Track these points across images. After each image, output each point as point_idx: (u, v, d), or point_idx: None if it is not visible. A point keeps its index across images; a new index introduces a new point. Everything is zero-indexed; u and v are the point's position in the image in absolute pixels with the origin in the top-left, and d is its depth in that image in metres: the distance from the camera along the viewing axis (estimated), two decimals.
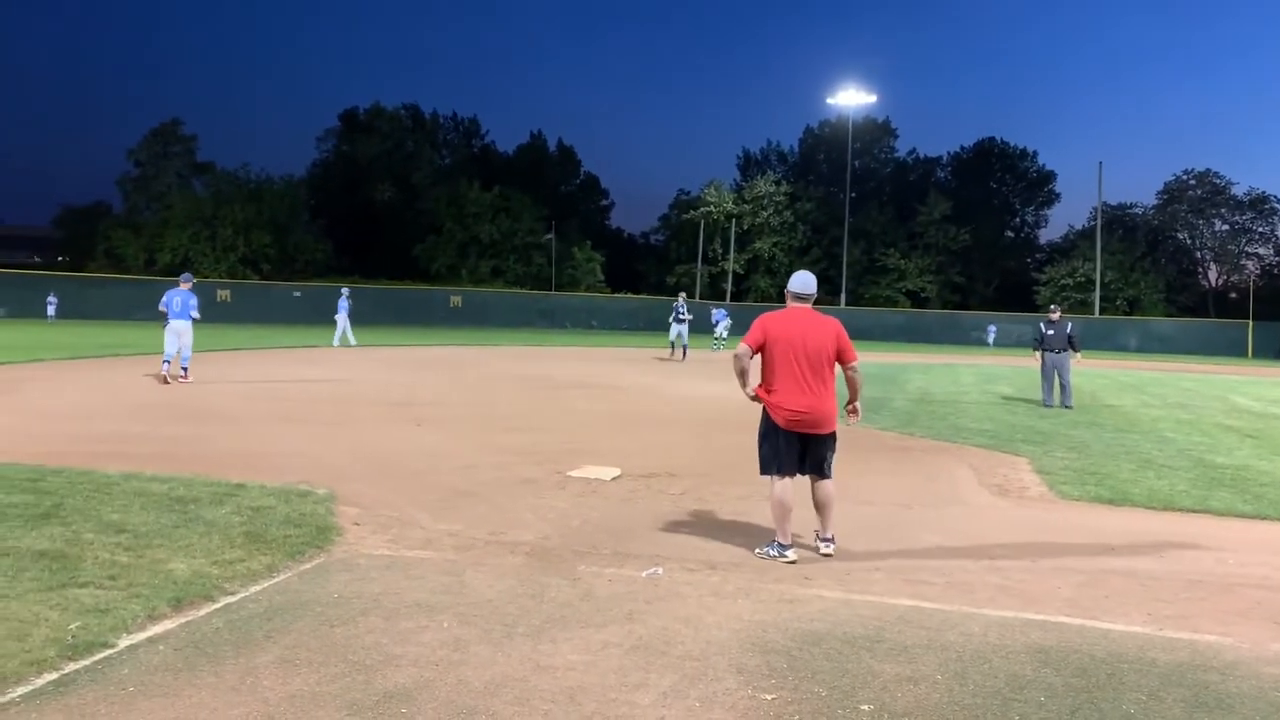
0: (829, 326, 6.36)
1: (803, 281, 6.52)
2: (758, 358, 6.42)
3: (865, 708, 3.80)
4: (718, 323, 40.85)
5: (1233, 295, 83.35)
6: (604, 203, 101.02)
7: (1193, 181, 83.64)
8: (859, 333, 7.55)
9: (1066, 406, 16.97)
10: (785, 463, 6.26)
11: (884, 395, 18.29)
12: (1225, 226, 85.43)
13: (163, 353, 16.98)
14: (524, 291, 73.87)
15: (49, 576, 5.02)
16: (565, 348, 37.12)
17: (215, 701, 3.68)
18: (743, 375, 6.39)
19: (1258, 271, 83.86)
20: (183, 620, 4.58)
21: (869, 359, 6.66)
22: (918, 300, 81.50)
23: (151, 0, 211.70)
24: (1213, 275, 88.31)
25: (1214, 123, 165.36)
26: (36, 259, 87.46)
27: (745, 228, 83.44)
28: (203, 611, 4.72)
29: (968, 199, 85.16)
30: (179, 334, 16.80)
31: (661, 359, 29.71)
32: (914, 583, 5.69)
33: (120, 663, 4.03)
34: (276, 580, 5.30)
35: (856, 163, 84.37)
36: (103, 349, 25.04)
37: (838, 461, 6.51)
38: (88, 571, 5.15)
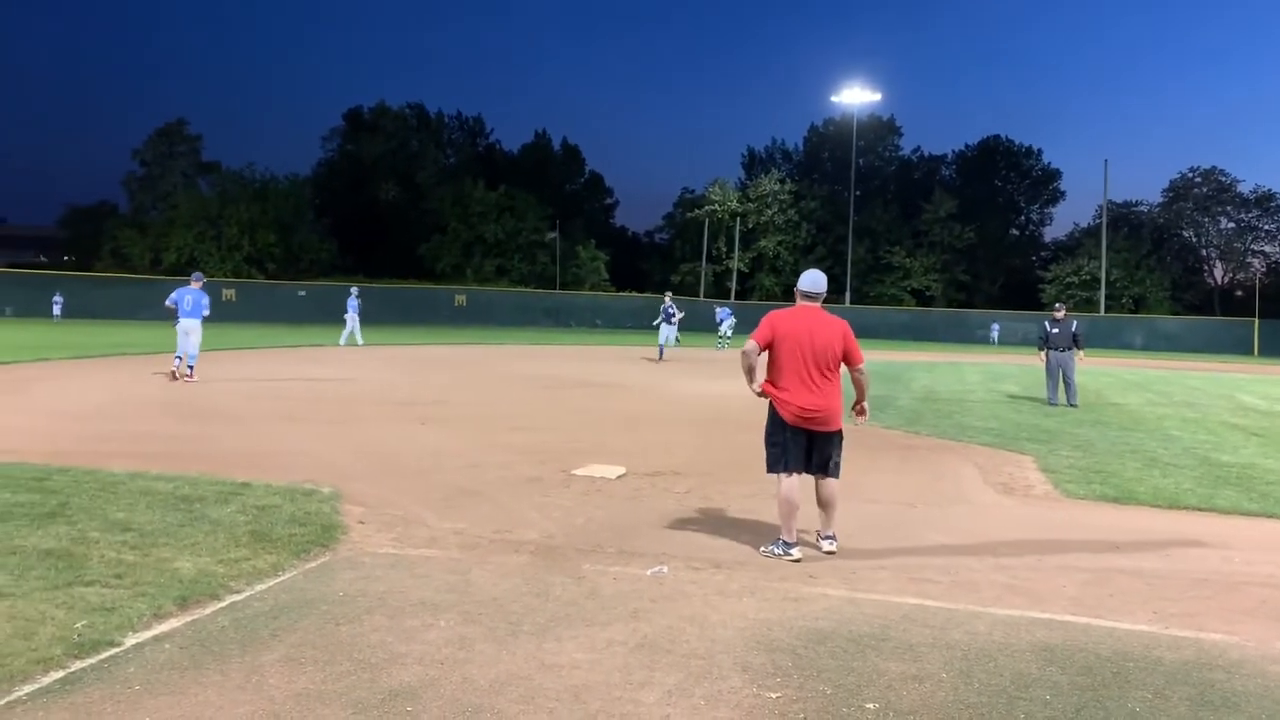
0: (837, 327, 6.36)
1: (812, 280, 6.51)
2: (764, 355, 6.42)
3: (870, 706, 3.80)
4: (722, 321, 40.81)
5: (1239, 293, 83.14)
6: (608, 201, 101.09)
7: (1199, 179, 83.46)
8: (864, 331, 7.54)
9: (1071, 405, 16.94)
10: (792, 460, 6.27)
11: (889, 393, 18.29)
12: (1231, 224, 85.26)
13: (175, 350, 17.16)
14: (528, 290, 73.90)
15: (55, 575, 5.03)
16: (570, 346, 37.13)
17: (221, 700, 3.69)
18: (750, 372, 6.40)
19: (1264, 269, 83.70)
20: (188, 619, 4.59)
21: (874, 357, 6.65)
22: (923, 299, 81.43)
23: (156, 1, 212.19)
24: (1219, 273, 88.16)
25: (1220, 120, 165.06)
26: (43, 258, 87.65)
27: (750, 226, 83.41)
28: (208, 610, 4.73)
29: (973, 197, 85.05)
30: (187, 332, 16.92)
31: (650, 360, 28.16)
32: (919, 581, 5.68)
33: (126, 661, 4.04)
34: (282, 579, 5.30)
35: (861, 161, 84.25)
36: (108, 348, 25.07)
37: (843, 460, 6.51)
38: (94, 570, 5.16)
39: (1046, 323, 17.99)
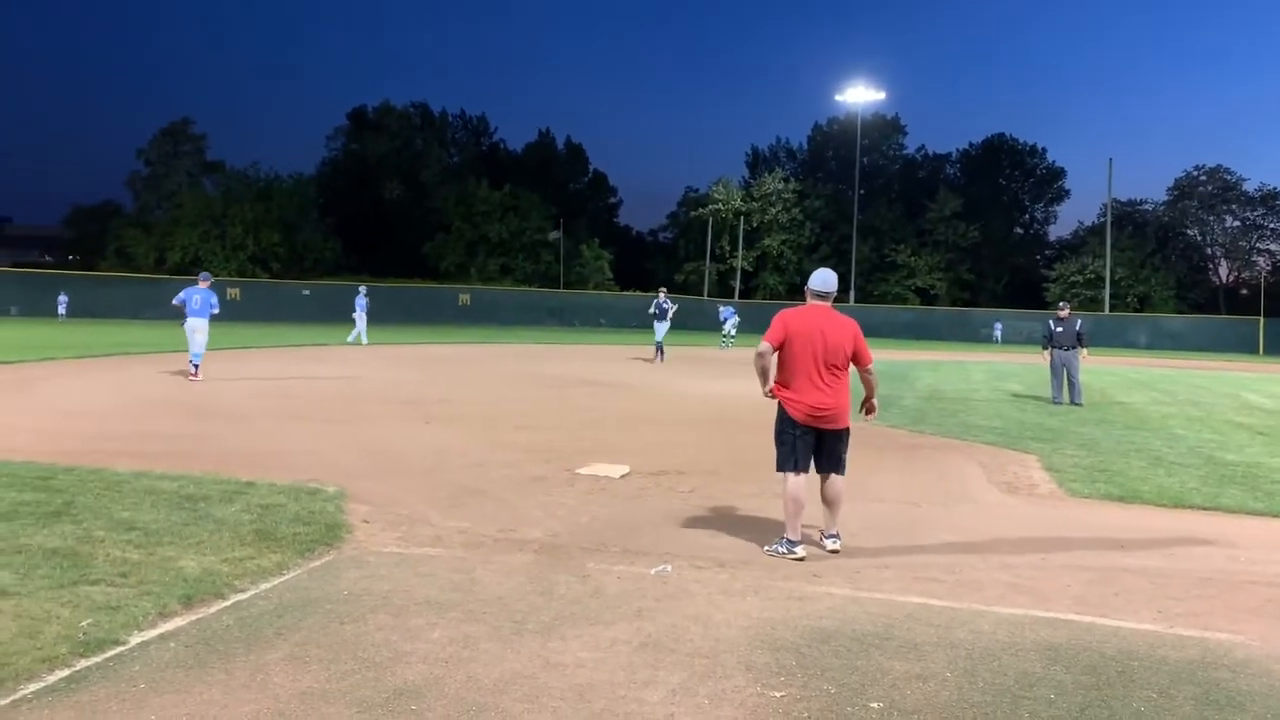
0: (847, 327, 6.39)
1: (823, 280, 6.52)
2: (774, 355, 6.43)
3: (875, 705, 3.80)
4: (725, 320, 40.73)
5: (1244, 292, 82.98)
6: (612, 200, 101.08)
7: (1204, 177, 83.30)
8: (868, 329, 7.59)
9: (1076, 404, 16.92)
10: (801, 459, 6.29)
11: (894, 393, 18.27)
12: (1236, 223, 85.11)
13: (187, 350, 17.27)
14: (532, 290, 73.93)
15: (60, 574, 5.04)
16: (574, 346, 37.15)
17: (226, 698, 3.69)
18: (764, 374, 6.37)
19: (1269, 268, 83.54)
20: (193, 617, 4.60)
21: (878, 356, 6.64)
22: (927, 297, 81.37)
23: (160, 0, 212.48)
24: (1224, 272, 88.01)
25: (1225, 118, 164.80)
26: (48, 258, 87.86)
27: (754, 225, 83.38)
28: (213, 609, 4.73)
29: (977, 196, 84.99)
30: (195, 331, 17.04)
31: (647, 360, 27.22)
32: (923, 580, 5.68)
33: (131, 659, 4.05)
34: (286, 578, 5.31)
35: (865, 159, 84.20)
36: (113, 348, 25.12)
37: (848, 459, 6.52)
38: (99, 569, 5.17)
39: (1051, 321, 17.97)
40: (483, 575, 5.50)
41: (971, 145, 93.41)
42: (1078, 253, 79.74)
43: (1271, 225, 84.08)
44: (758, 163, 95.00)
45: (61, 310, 51.28)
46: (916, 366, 29.29)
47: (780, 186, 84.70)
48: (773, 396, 6.44)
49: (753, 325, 60.84)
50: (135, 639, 4.27)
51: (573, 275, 79.73)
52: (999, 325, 64.82)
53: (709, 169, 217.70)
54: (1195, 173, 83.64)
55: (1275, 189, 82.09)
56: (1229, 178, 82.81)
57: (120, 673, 3.90)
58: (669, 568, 5.76)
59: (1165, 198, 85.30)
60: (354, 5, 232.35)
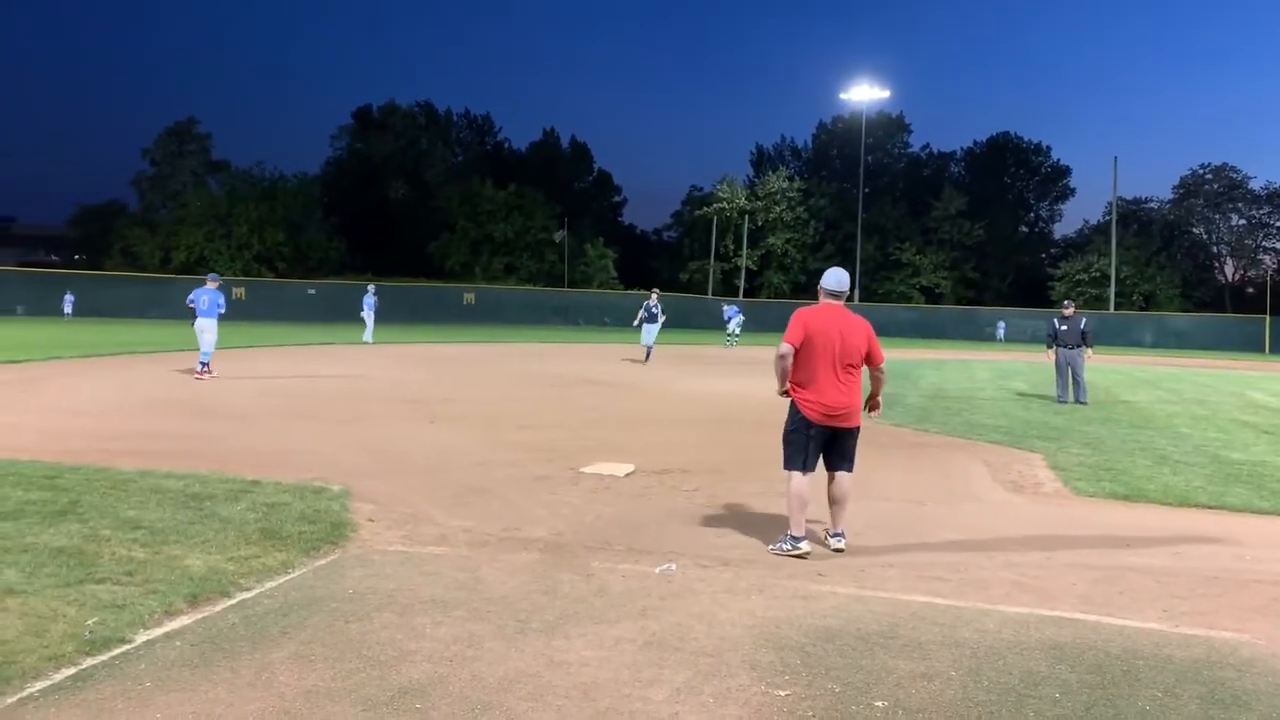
0: (862, 326, 6.41)
1: (837, 279, 6.52)
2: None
3: (879, 704, 3.80)
4: (730, 319, 40.70)
5: (1250, 290, 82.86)
6: (616, 199, 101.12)
7: (1209, 175, 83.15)
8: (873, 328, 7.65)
9: (1081, 402, 16.89)
10: (811, 458, 6.31)
11: (899, 391, 18.25)
12: (1242, 221, 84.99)
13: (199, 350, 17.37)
14: (537, 289, 73.96)
15: (66, 572, 5.06)
16: (578, 345, 37.15)
17: (231, 697, 3.70)
18: (785, 374, 6.33)
19: (1275, 266, 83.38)
20: (199, 616, 4.61)
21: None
22: (931, 296, 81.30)
23: (165, 0, 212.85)
24: (1229, 270, 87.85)
25: (1231, 116, 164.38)
26: (53, 258, 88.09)
27: (758, 224, 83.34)
28: (218, 607, 4.74)
29: (982, 194, 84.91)
30: (203, 331, 17.16)
31: (635, 361, 26.12)
32: (928, 579, 5.67)
33: (137, 658, 4.06)
34: (291, 576, 5.32)
35: (870, 158, 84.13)
36: (119, 347, 25.20)
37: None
38: (105, 567, 5.19)
39: (1055, 320, 17.94)
40: (487, 574, 5.51)
41: (976, 143, 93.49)
42: (1083, 251, 79.65)
43: (1277, 223, 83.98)
44: (762, 161, 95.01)
45: (67, 309, 51.42)
46: (921, 365, 29.26)
47: (785, 185, 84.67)
48: (787, 396, 6.43)
49: (757, 324, 60.85)
50: (141, 637, 4.28)
51: (577, 274, 79.75)
52: (1002, 324, 64.78)
53: (713, 168, 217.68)
54: (1201, 171, 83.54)
55: None
56: (1235, 176, 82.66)
57: (126, 671, 3.91)
58: (673, 566, 5.76)
59: (1171, 196, 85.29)
60: (359, 5, 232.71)
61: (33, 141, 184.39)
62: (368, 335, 31.16)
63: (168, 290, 56.66)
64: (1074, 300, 21.76)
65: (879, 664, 4.23)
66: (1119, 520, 7.60)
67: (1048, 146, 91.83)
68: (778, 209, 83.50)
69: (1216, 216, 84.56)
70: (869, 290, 78.41)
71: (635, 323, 27.21)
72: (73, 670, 3.88)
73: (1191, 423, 14.48)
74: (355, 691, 3.77)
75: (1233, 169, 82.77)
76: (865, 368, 6.49)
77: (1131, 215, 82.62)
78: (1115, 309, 68.96)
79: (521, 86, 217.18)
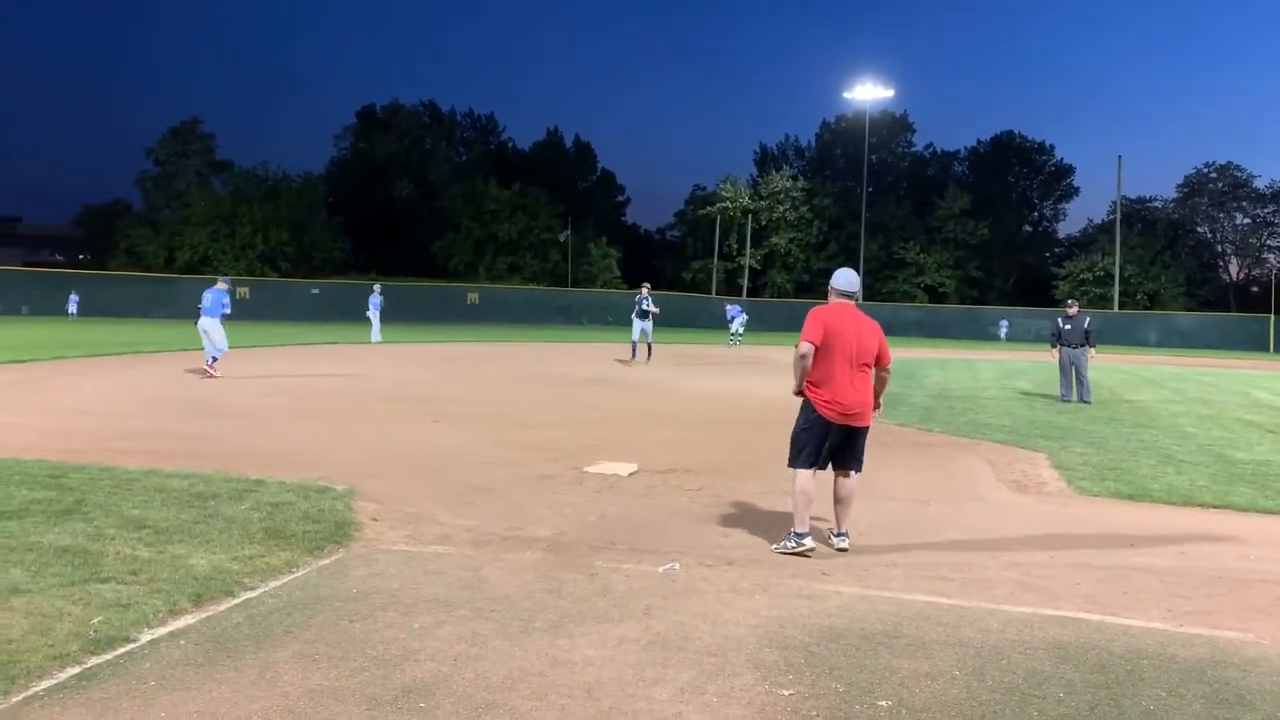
0: (875, 327, 6.46)
1: (848, 280, 6.55)
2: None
3: (883, 704, 3.80)
4: (733, 319, 40.69)
5: (1254, 289, 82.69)
6: (619, 199, 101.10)
7: (1214, 174, 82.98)
8: None
9: (1085, 401, 16.87)
10: (822, 458, 6.31)
11: (902, 391, 18.23)
12: (1246, 220, 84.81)
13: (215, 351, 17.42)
14: (540, 288, 73.99)
15: (71, 571, 5.07)
16: (581, 344, 37.15)
17: (235, 696, 3.71)
18: (804, 374, 6.31)
19: (1279, 265, 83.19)
20: (203, 615, 4.61)
21: None
22: (935, 295, 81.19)
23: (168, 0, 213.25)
24: (1234, 269, 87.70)
25: (1236, 115, 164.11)
26: (58, 257, 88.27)
27: (762, 223, 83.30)
28: (223, 606, 4.75)
29: (986, 193, 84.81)
30: (205, 330, 17.17)
31: (622, 361, 25.36)
32: (932, 579, 5.67)
33: (141, 657, 4.06)
34: (296, 575, 5.33)
35: (874, 157, 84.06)
36: (123, 347, 25.23)
37: None
38: (109, 567, 5.20)
39: (1059, 319, 17.92)
40: (491, 573, 5.51)
41: (980, 142, 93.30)
42: (1087, 250, 79.52)
43: None
44: (766, 160, 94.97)
45: (72, 309, 51.54)
46: (925, 364, 29.23)
47: (788, 184, 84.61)
48: (802, 395, 6.42)
49: (761, 324, 60.88)
50: (145, 636, 4.28)
51: (580, 274, 79.76)
52: (1005, 323, 64.72)
53: (717, 167, 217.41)
54: (1205, 169, 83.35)
55: None
56: (1239, 175, 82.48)
57: (131, 670, 3.92)
58: (677, 566, 5.76)
59: (1175, 195, 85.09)
60: (362, 4, 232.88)
61: (37, 142, 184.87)
62: (374, 335, 31.23)
63: (172, 290, 56.82)
64: (1078, 299, 21.73)
65: (883, 663, 4.23)
66: (1123, 520, 7.59)
67: (1051, 145, 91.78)
68: (781, 208, 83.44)
69: (1221, 215, 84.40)
70: (873, 290, 78.34)
71: (634, 314, 25.77)
72: (77, 669, 3.89)
73: (1196, 422, 14.46)
74: (359, 691, 3.78)
75: (1237, 168, 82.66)
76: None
77: (1136, 214, 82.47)
78: (1119, 308, 68.84)
79: (525, 86, 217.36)
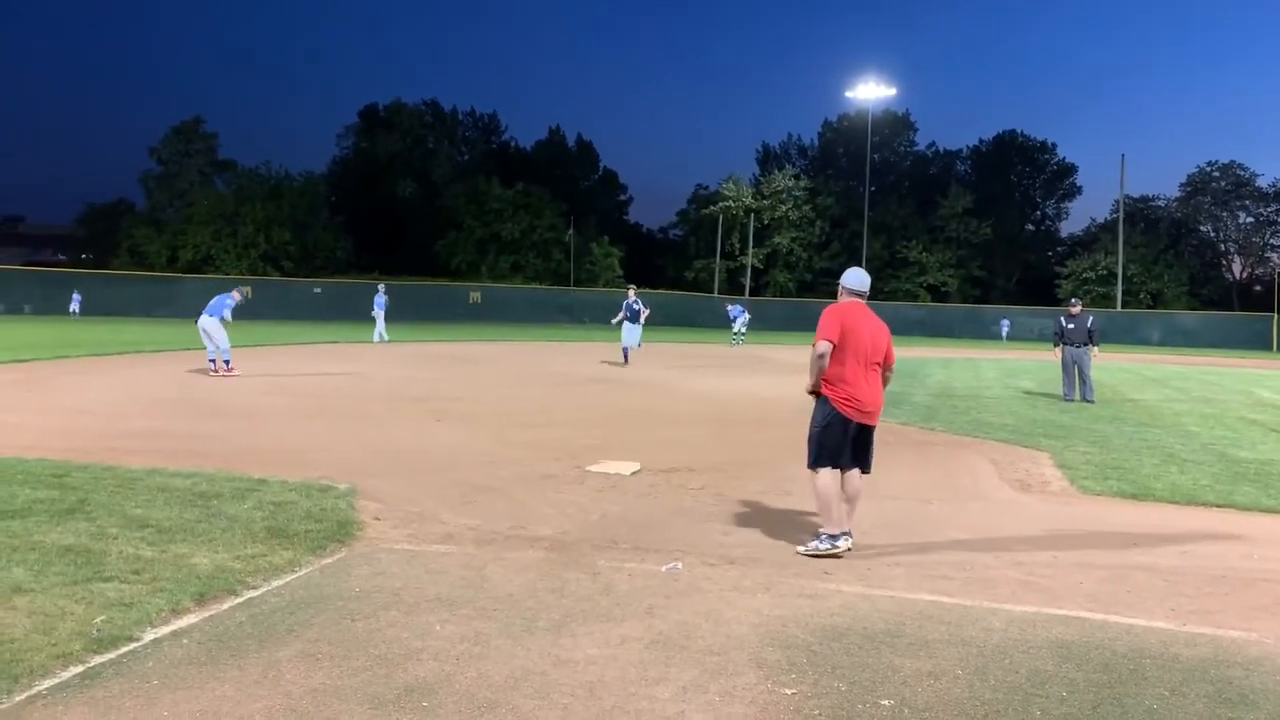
0: (884, 326, 6.48)
1: (859, 279, 6.57)
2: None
3: (885, 703, 3.79)
4: (735, 318, 40.68)
5: (1257, 288, 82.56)
6: (622, 198, 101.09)
7: (1217, 173, 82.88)
8: None
9: (1087, 401, 16.86)
10: (842, 457, 6.31)
11: (905, 390, 18.22)
12: (1250, 219, 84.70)
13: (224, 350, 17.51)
14: (543, 287, 73.99)
15: (74, 571, 5.07)
16: (584, 343, 37.14)
17: (238, 695, 3.71)
18: (821, 372, 6.27)
19: None
20: (206, 614, 4.62)
21: None
22: (938, 294, 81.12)
23: None
24: (1237, 268, 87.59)
25: (1239, 114, 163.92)
26: (61, 257, 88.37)
27: (764, 222, 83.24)
28: (225, 605, 4.75)
29: (988, 192, 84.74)
30: (205, 330, 17.23)
31: (616, 364, 24.01)
32: (935, 578, 5.67)
33: (144, 656, 4.07)
34: (298, 574, 5.33)
35: (876, 156, 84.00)
36: (126, 346, 25.24)
37: None
38: (112, 566, 5.20)
39: (1062, 318, 17.90)
40: (493, 572, 5.51)
41: (982, 141, 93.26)
42: (1090, 249, 79.45)
43: None
44: (768, 159, 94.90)
45: (74, 308, 51.58)
46: (928, 363, 29.21)
47: (790, 184, 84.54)
48: (816, 395, 6.41)
49: (763, 323, 60.86)
50: (148, 636, 4.29)
51: (583, 273, 79.73)
52: (1006, 322, 64.67)
53: (719, 166, 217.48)
54: (1208, 169, 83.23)
55: None
56: (1242, 173, 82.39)
57: (133, 669, 3.92)
58: (680, 565, 5.76)
59: (1178, 194, 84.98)
60: (364, 4, 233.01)
61: (40, 141, 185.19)
62: (377, 335, 31.26)
63: (174, 289, 56.90)
64: (1081, 298, 21.72)
65: (885, 662, 4.23)
66: (1126, 519, 7.58)
67: (1054, 144, 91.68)
68: (783, 207, 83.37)
69: (1224, 214, 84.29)
70: (875, 289, 76.88)
71: (614, 321, 24.94)
72: (80, 668, 3.89)
73: (1199, 421, 14.44)
74: (362, 690, 3.78)
75: (1240, 167, 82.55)
76: None
77: (1138, 213, 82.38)
78: (1122, 307, 68.79)
79: (527, 85, 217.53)
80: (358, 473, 8.31)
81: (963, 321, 69.31)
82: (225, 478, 7.65)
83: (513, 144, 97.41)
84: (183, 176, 78.62)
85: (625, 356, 24.09)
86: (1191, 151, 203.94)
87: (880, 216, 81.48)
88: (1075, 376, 17.31)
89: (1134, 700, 3.88)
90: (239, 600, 4.84)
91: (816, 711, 3.70)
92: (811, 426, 6.39)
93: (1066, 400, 17.06)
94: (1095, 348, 17.68)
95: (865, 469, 6.46)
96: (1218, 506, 8.10)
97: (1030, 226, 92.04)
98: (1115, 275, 70.39)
